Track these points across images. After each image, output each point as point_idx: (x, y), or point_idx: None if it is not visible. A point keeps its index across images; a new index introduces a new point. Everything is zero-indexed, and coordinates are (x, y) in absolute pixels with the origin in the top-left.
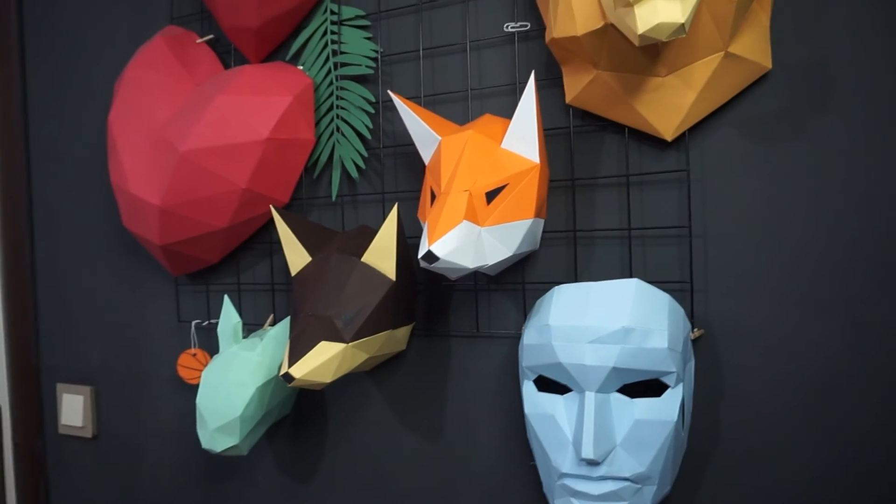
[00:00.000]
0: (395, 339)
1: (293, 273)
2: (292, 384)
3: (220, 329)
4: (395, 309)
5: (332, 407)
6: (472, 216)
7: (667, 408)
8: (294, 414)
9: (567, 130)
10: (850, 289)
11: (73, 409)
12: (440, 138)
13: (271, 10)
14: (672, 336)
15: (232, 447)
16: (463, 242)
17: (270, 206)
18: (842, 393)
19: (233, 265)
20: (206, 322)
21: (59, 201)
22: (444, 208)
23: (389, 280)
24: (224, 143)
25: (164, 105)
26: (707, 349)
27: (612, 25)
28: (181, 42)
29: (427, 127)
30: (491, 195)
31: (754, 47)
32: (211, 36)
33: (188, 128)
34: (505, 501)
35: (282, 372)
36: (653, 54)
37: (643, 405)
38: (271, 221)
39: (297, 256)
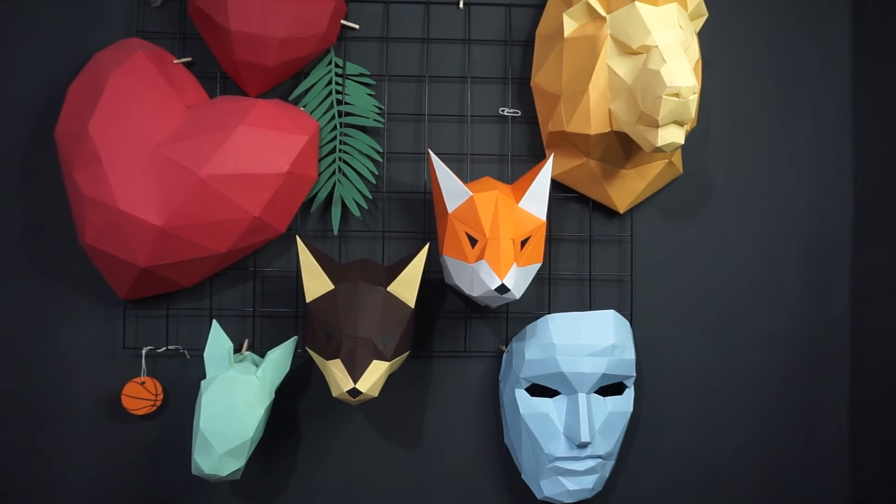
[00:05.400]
0: (403, 360)
1: (309, 299)
2: (357, 399)
3: (207, 354)
4: (412, 333)
5: (306, 426)
6: (517, 259)
7: (627, 402)
8: None
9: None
10: (730, 319)
11: None
12: (471, 194)
13: (290, 53)
14: (633, 350)
15: (235, 471)
16: (518, 279)
17: (296, 236)
18: (722, 388)
19: (194, 291)
20: (164, 348)
21: None
22: (501, 252)
23: (410, 308)
24: (244, 172)
25: (156, 122)
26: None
27: (614, 131)
28: (160, 59)
29: (460, 183)
30: (522, 243)
31: (679, 159)
32: (189, 59)
33: (206, 153)
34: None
35: (346, 388)
36: (627, 154)
37: (612, 401)
38: (261, 251)
39: (316, 284)
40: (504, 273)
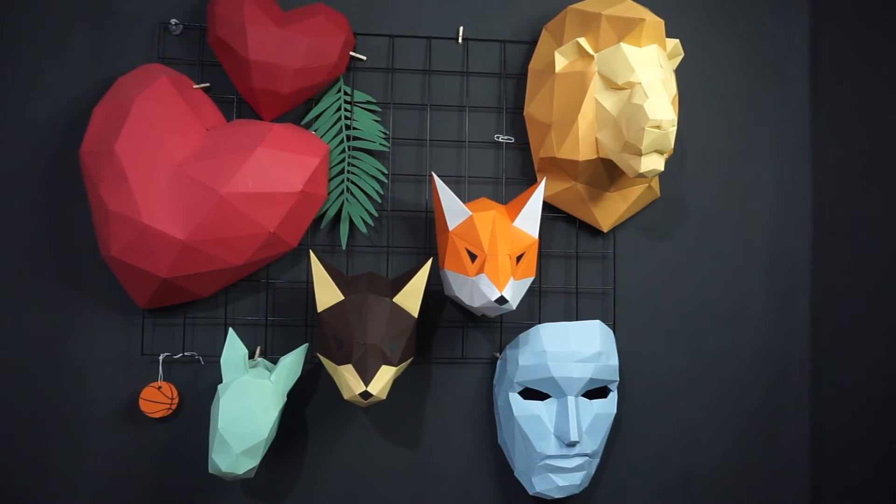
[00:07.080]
0: (407, 365)
1: (321, 309)
2: (368, 400)
3: (224, 359)
4: (415, 341)
5: (313, 427)
6: (513, 273)
7: (611, 405)
8: None
9: None
10: (702, 328)
11: None
12: (471, 213)
13: (303, 81)
14: (616, 357)
15: (250, 469)
16: (515, 291)
17: (310, 250)
18: (694, 392)
19: (209, 301)
20: (180, 355)
21: None
22: (499, 266)
23: (413, 317)
24: (262, 191)
25: (178, 143)
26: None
27: (601, 158)
28: (181, 84)
29: (461, 203)
30: (517, 259)
31: (657, 183)
32: (208, 84)
33: (227, 172)
34: (475, 493)
35: (358, 391)
36: (611, 178)
37: (598, 403)
38: (274, 263)
39: (328, 295)
40: (503, 285)
